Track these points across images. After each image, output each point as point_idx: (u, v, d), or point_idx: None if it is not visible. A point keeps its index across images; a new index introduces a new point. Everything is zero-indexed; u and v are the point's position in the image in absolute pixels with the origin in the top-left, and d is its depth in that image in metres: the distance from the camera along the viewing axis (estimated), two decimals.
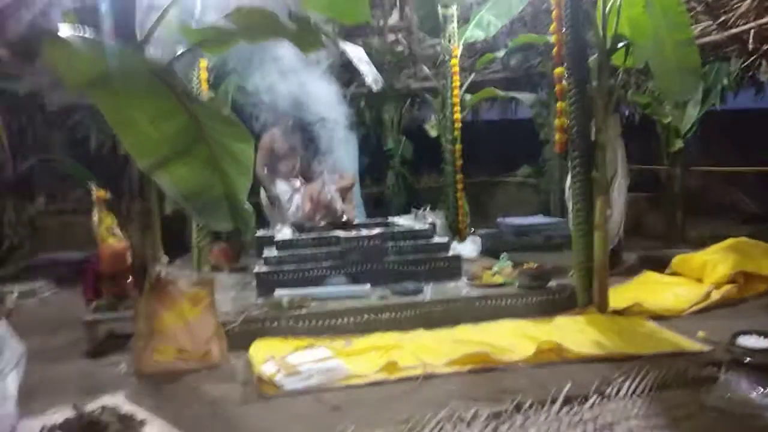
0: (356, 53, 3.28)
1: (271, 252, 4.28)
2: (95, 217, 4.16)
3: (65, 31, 1.99)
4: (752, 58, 5.70)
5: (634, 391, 2.49)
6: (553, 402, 2.41)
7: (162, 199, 4.61)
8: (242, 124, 2.61)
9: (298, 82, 5.04)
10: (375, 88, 3.25)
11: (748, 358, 2.72)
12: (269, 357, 3.07)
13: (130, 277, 3.68)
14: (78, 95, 7.08)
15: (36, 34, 2.01)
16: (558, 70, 3.86)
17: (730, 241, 4.45)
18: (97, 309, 3.69)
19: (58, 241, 7.34)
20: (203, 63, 5.51)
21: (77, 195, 7.92)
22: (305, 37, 3.04)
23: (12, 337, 2.37)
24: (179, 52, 3.09)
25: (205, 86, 5.47)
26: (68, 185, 7.93)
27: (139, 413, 2.46)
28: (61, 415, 2.40)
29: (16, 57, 2.09)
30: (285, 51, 4.75)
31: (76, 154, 7.22)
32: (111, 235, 4.15)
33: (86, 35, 2.04)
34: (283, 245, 4.29)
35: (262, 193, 5.94)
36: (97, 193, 4.25)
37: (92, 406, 2.47)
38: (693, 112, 6.14)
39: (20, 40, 2.00)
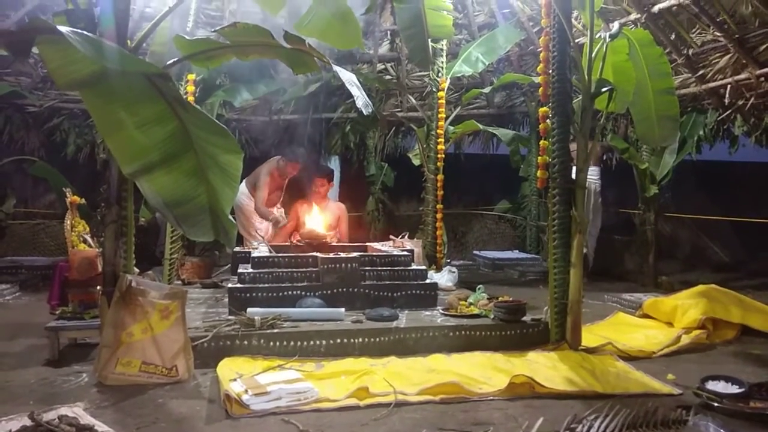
0: (347, 77, 3.31)
1: (246, 269, 4.22)
2: (68, 222, 4.07)
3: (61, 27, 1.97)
4: (728, 112, 5.92)
5: (605, 430, 2.48)
6: None
7: (137, 209, 4.54)
8: (232, 136, 2.59)
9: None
10: (365, 111, 3.27)
11: (717, 404, 2.75)
12: (237, 375, 3.00)
13: (99, 285, 3.59)
14: (60, 98, 7.02)
15: (30, 27, 1.98)
16: (543, 109, 3.93)
17: (700, 287, 4.52)
18: (61, 316, 3.58)
19: (25, 245, 7.17)
20: (191, 76, 5.50)
21: (49, 199, 7.77)
22: (299, 57, 3.06)
23: None
24: (169, 62, 3.08)
25: (191, 99, 5.45)
26: (41, 189, 7.78)
27: (99, 426, 2.37)
28: (16, 423, 2.30)
29: (9, 50, 2.04)
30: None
31: (51, 158, 7.10)
32: (82, 242, 4.06)
33: (83, 32, 2.01)
34: (259, 263, 4.24)
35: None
36: (72, 197, 4.18)
37: (50, 415, 2.36)
38: (669, 160, 6.30)
39: (13, 33, 1.96)
